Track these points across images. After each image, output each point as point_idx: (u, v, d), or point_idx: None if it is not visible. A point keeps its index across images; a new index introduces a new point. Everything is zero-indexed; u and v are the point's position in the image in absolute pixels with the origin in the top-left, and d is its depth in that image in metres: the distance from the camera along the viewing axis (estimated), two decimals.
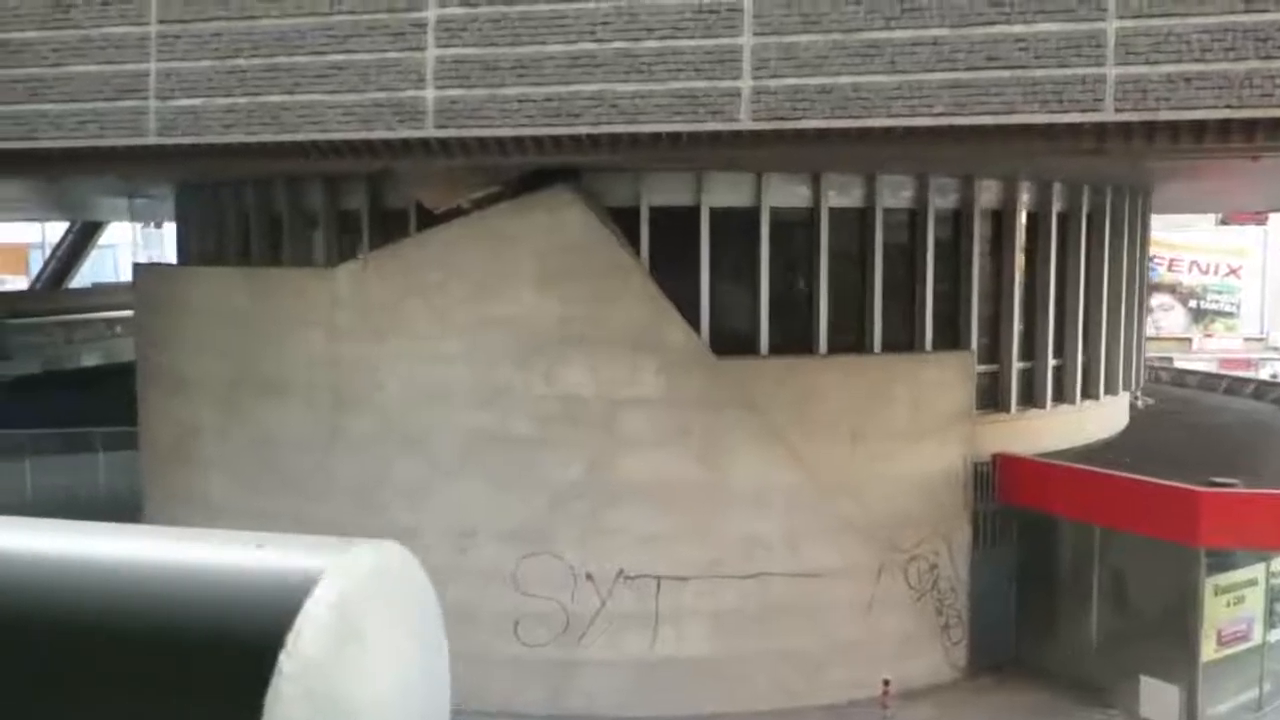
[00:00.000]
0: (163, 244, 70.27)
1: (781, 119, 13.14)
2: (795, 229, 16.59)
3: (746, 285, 16.43)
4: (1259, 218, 38.57)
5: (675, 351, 15.23)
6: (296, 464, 16.40)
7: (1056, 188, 18.17)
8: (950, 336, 17.40)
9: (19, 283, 52.00)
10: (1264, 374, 36.02)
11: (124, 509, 20.95)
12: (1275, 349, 40.55)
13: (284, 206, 17.90)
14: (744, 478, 15.48)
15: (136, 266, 21.78)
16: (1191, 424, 21.87)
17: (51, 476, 24.82)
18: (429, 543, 15.61)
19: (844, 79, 13.01)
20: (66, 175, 17.95)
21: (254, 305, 16.75)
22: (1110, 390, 19.88)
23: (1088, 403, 19.31)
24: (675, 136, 13.42)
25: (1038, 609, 17.25)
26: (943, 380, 16.50)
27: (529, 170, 15.41)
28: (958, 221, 17.41)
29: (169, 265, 20.05)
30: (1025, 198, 17.83)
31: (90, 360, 39.55)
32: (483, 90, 13.71)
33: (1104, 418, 19.85)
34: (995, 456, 16.94)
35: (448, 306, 15.44)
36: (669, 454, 15.32)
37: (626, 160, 14.49)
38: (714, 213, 16.09)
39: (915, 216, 17.10)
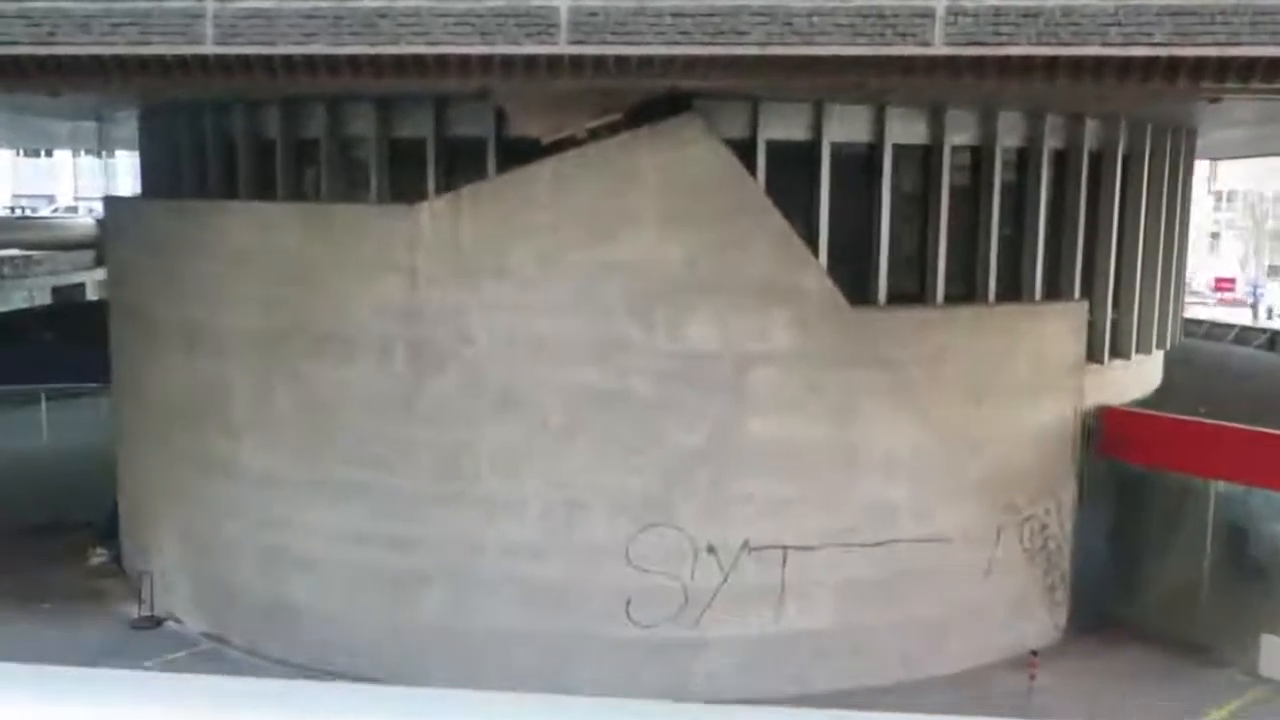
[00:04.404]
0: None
1: (980, 44, 11.78)
2: (912, 167, 15.32)
3: (864, 228, 15.11)
4: None
5: (809, 302, 13.84)
6: (364, 429, 14.36)
7: (1149, 129, 17.44)
8: (1053, 284, 16.52)
9: None
10: None
11: None
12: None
13: (321, 133, 15.57)
14: (875, 439, 14.30)
15: (108, 200, 18.92)
16: (1230, 373, 21.76)
17: None
18: (529, 517, 13.99)
19: (1053, 2, 11.72)
20: (79, 90, 15.13)
21: (309, 248, 14.49)
22: (1174, 340, 19.52)
23: (1158, 353, 18.87)
24: (857, 61, 11.92)
25: (1137, 567, 16.73)
26: (1060, 332, 15.63)
27: (642, 97, 13.66)
28: (1061, 163, 16.46)
29: (172, 200, 17.33)
30: (1122, 140, 17.01)
31: None
32: (628, 1, 11.88)
33: (1156, 368, 19.45)
34: (1100, 409, 16.23)
35: (557, 249, 13.61)
36: (800, 415, 13.99)
37: (793, 88, 12.88)
38: (833, 148, 14.66)
39: (1026, 156, 16.06)
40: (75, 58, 12.43)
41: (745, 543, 14.03)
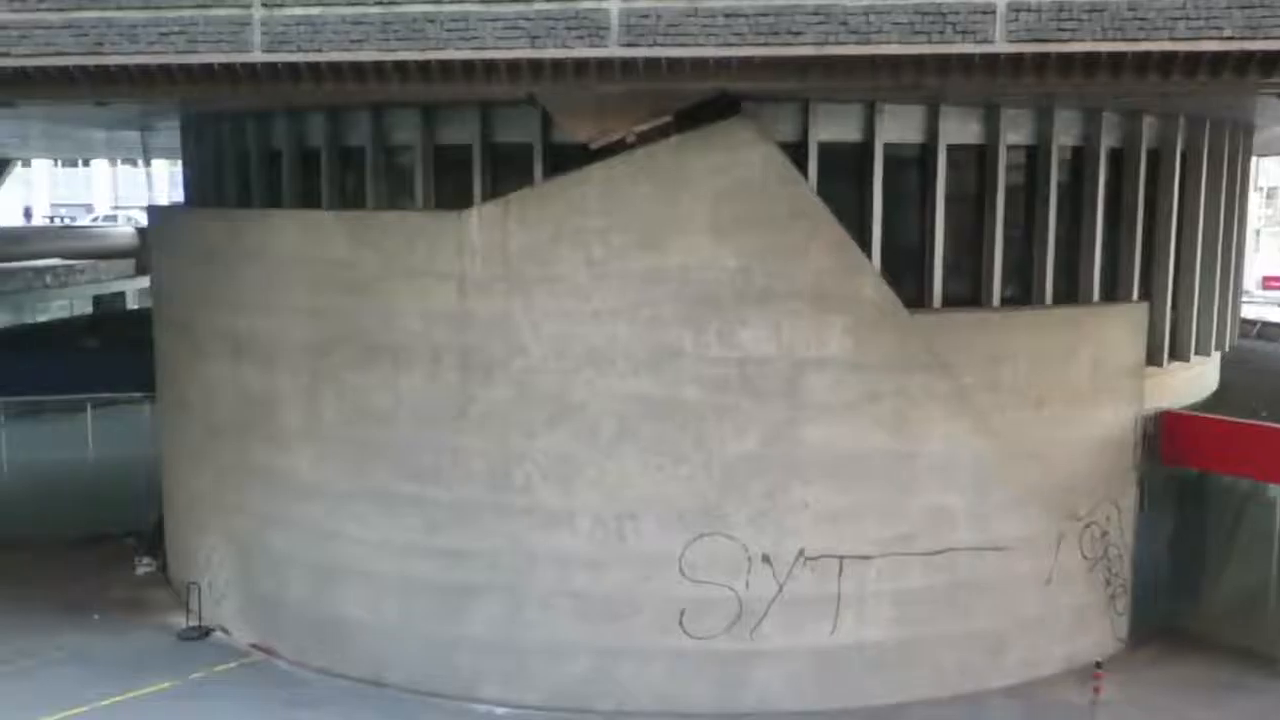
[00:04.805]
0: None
1: (1042, 41, 11.47)
2: (966, 167, 14.98)
3: (917, 230, 14.82)
4: None
5: (866, 307, 13.55)
6: (414, 439, 14.20)
7: (1207, 125, 17.02)
8: (1110, 285, 16.15)
9: None
10: None
11: None
12: None
13: (367, 140, 15.43)
14: (933, 446, 13.99)
15: (152, 209, 18.86)
16: None
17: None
18: (581, 527, 13.80)
19: None
20: (127, 100, 15.07)
21: (357, 255, 14.34)
22: (1231, 341, 19.09)
23: (1216, 355, 18.45)
24: (916, 61, 11.64)
25: (1200, 575, 16.35)
26: (1120, 335, 15.26)
27: (691, 100, 13.44)
28: (1118, 162, 16.08)
29: (217, 209, 17.32)
30: (1180, 137, 16.60)
31: (4, 316, 35.78)
32: (681, 2, 11.65)
33: (1214, 371, 19.01)
34: (1161, 414, 15.83)
35: (608, 256, 13.40)
36: (857, 422, 13.70)
37: (848, 89, 12.60)
38: (886, 149, 14.36)
39: (1082, 155, 15.69)
40: (123, 67, 12.37)
41: (800, 552, 13.76)
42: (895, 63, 11.62)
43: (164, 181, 59.88)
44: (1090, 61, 11.48)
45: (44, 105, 17.21)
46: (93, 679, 14.93)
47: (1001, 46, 11.49)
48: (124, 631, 16.76)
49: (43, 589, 18.24)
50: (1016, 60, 11.53)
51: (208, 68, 12.28)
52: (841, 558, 13.85)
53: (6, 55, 12.22)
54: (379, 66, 12.10)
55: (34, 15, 12.15)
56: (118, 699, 14.39)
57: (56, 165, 64.17)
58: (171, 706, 14.35)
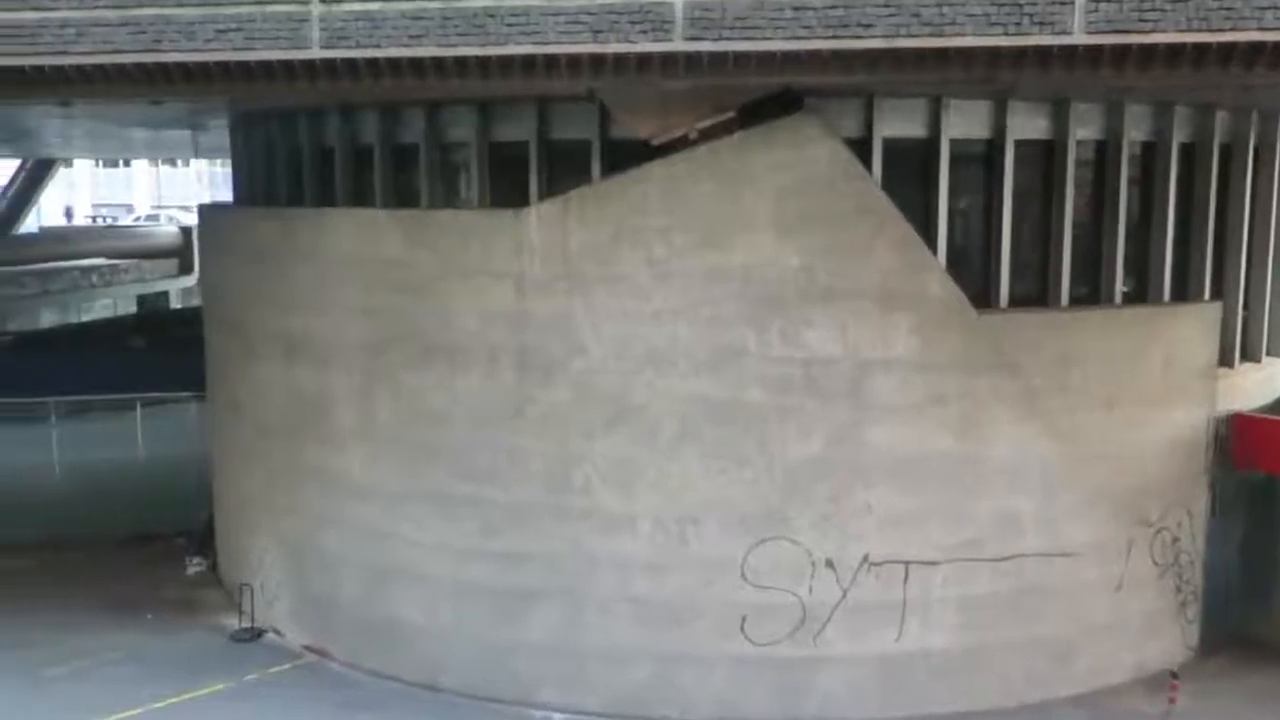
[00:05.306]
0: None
1: (1123, 31, 11.09)
2: (1034, 163, 14.61)
3: (982, 228, 14.48)
4: None
5: (932, 307, 13.22)
6: (471, 440, 14.02)
7: None
8: (1181, 284, 15.73)
9: None
10: None
11: None
12: None
13: (421, 138, 15.25)
14: (1002, 450, 13.64)
15: (203, 207, 18.80)
16: None
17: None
18: (642, 531, 13.56)
19: None
20: (183, 98, 14.97)
21: (412, 254, 14.17)
22: None
23: None
24: (990, 53, 11.31)
25: (1272, 581, 15.91)
26: (1193, 335, 14.85)
27: (754, 96, 13.15)
28: (1189, 157, 15.66)
29: (269, 208, 17.22)
30: (1254, 131, 16.16)
31: (50, 315, 36.06)
32: None
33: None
34: (1233, 416, 15.40)
35: (669, 255, 13.14)
36: (923, 424, 13.38)
37: (919, 83, 12.29)
38: (952, 145, 14.02)
39: (1153, 150, 15.28)
40: (180, 65, 12.24)
41: (865, 557, 13.46)
42: (968, 55, 11.29)
43: (204, 181, 60.23)
44: (1173, 53, 11.09)
45: (99, 104, 17.15)
46: (147, 680, 14.87)
47: (1080, 38, 11.13)
48: (176, 632, 16.71)
49: (95, 589, 18.23)
50: (1095, 52, 11.16)
51: (265, 65, 12.13)
52: (907, 563, 13.54)
53: (64, 54, 12.11)
54: (439, 62, 11.90)
55: (92, 13, 12.02)
56: (173, 700, 14.31)
57: (97, 165, 64.65)
58: (225, 708, 14.25)
